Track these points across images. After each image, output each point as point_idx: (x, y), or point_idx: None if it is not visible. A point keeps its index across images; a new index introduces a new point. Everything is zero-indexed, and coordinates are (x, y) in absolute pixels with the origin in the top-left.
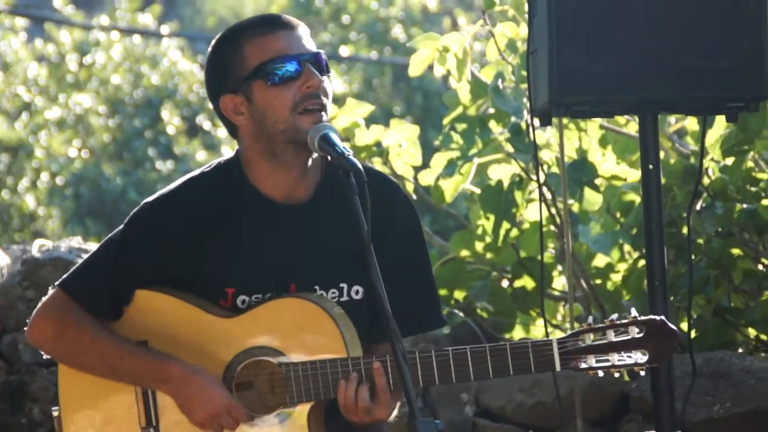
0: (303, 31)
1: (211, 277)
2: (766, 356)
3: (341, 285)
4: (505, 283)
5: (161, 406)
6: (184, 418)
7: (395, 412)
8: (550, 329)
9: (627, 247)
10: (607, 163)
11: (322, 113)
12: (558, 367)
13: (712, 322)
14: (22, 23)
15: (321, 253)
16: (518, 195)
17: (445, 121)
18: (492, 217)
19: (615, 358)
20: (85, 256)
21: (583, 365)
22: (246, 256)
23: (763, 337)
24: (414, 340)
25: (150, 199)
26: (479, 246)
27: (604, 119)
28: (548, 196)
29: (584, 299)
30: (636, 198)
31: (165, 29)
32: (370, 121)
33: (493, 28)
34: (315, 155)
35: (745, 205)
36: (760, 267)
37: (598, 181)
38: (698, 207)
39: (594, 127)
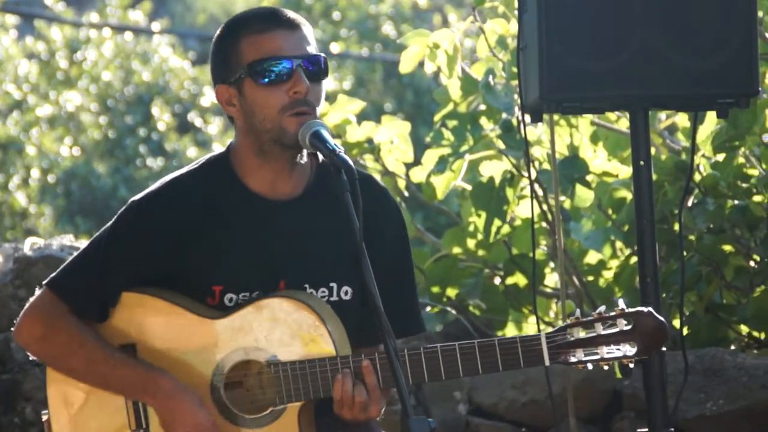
0: (306, 31)
1: (198, 274)
2: (759, 353)
3: (331, 284)
4: (497, 280)
5: (151, 409)
6: None
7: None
8: (542, 326)
9: (619, 244)
10: (598, 160)
11: (309, 117)
12: (547, 362)
13: (705, 319)
14: (12, 21)
15: (311, 251)
16: (510, 192)
17: (436, 117)
18: (483, 214)
19: (604, 351)
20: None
21: (573, 359)
22: (233, 253)
23: (755, 333)
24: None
25: (137, 197)
26: (471, 243)
27: (594, 115)
28: (540, 192)
29: (576, 296)
30: (627, 194)
31: (156, 26)
32: (361, 117)
33: (483, 25)
34: (305, 153)
35: (736, 202)
36: (752, 263)
37: (589, 178)
38: (689, 203)
39: (585, 123)
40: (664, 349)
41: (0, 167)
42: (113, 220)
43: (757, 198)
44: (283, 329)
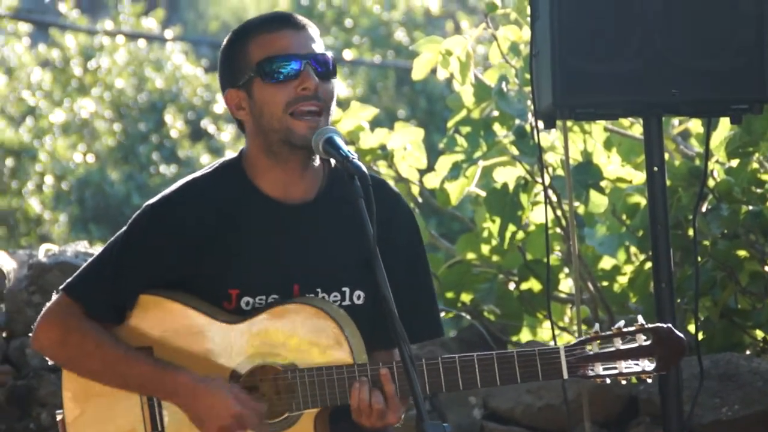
0: (312, 32)
1: (214, 278)
2: None
3: (343, 289)
4: (511, 286)
5: (167, 410)
6: (189, 423)
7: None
8: (557, 332)
9: (633, 249)
10: (612, 166)
11: (319, 117)
12: (565, 375)
13: (719, 324)
14: (25, 28)
15: (323, 255)
16: (524, 198)
17: (450, 124)
18: (498, 220)
19: (622, 366)
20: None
21: (591, 373)
22: (247, 256)
23: None
24: (420, 343)
25: (152, 201)
26: (485, 249)
27: (608, 121)
28: (554, 198)
29: (591, 301)
30: (641, 200)
31: (169, 33)
32: (374, 124)
33: (495, 32)
34: (317, 158)
35: (750, 207)
36: (767, 268)
37: (603, 184)
38: (704, 209)
39: (598, 129)
40: None
41: (14, 174)
42: (128, 223)
43: None
44: (301, 336)
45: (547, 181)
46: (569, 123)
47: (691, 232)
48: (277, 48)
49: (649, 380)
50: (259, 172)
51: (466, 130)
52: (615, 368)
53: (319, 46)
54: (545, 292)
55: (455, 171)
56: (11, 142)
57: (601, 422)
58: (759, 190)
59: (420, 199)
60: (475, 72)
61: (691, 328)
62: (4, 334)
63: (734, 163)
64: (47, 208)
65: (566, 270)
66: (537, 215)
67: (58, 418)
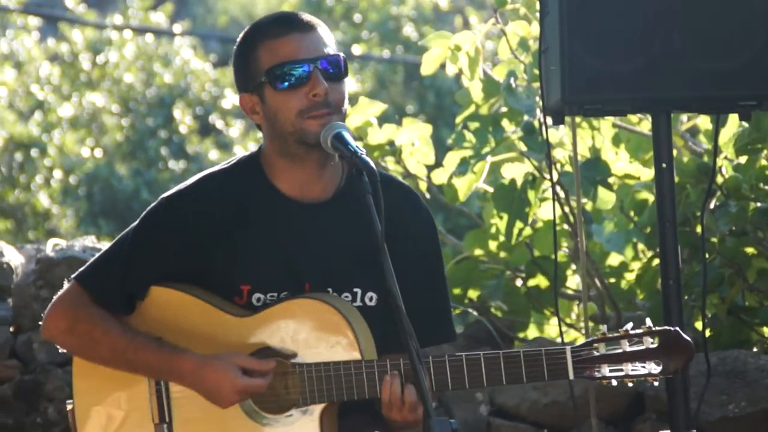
0: (321, 31)
1: (226, 273)
2: None
3: (355, 289)
4: (518, 282)
5: (174, 402)
6: (197, 415)
7: None
8: (564, 328)
9: (641, 246)
10: (620, 162)
11: (331, 116)
12: (571, 375)
13: (727, 321)
14: (34, 22)
15: (336, 255)
16: (531, 194)
17: (458, 119)
18: (505, 216)
19: (629, 368)
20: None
21: (597, 374)
22: (261, 253)
23: None
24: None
25: (167, 194)
26: (493, 245)
27: (616, 118)
28: (561, 194)
29: (598, 298)
30: (649, 197)
31: (177, 28)
32: (382, 119)
33: (504, 27)
34: (336, 156)
35: (759, 204)
36: None
37: (611, 180)
38: (712, 205)
39: (607, 125)
40: None
41: (22, 168)
42: (142, 215)
43: None
44: (310, 331)
45: (555, 177)
46: (578, 119)
47: (699, 229)
48: (286, 53)
49: (656, 383)
50: (276, 171)
51: (474, 125)
52: (621, 370)
53: (329, 46)
54: (552, 288)
55: (463, 167)
56: (20, 136)
57: (608, 419)
58: (767, 187)
59: (428, 195)
60: (483, 67)
61: (699, 325)
62: (11, 329)
63: (743, 159)
64: (55, 203)
65: (574, 266)
66: (545, 211)
67: (69, 408)
